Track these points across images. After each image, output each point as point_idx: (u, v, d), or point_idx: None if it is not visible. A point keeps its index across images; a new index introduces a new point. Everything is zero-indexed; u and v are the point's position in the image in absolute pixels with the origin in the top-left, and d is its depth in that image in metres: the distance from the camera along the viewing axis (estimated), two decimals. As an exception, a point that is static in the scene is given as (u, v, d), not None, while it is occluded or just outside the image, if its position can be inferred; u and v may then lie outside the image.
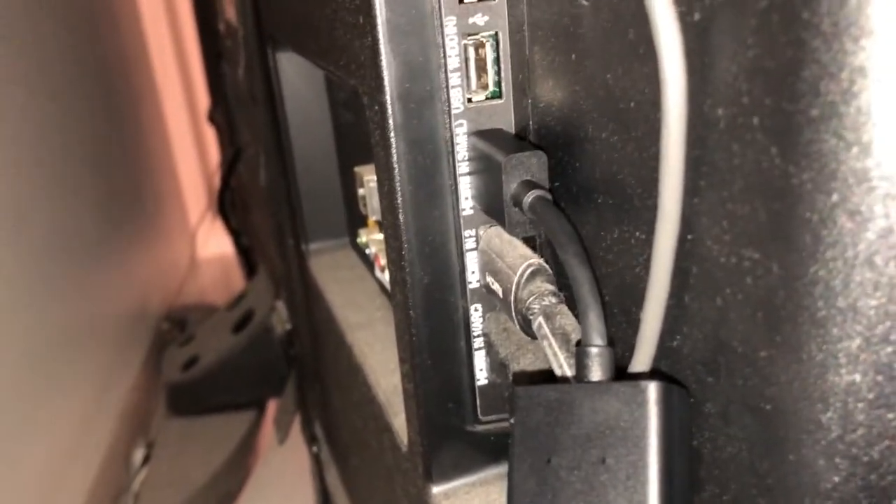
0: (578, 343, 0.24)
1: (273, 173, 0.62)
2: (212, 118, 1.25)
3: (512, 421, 0.24)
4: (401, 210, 0.32)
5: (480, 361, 0.35)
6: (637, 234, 0.25)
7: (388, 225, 0.34)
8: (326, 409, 0.66)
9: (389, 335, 0.38)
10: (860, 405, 0.19)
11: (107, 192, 1.07)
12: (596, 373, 0.23)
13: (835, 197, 0.17)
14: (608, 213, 0.26)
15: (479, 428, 0.35)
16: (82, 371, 0.88)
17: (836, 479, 0.19)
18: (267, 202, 0.68)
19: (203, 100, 1.39)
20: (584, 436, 0.22)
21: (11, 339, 0.71)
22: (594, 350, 0.23)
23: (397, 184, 0.32)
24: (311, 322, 0.63)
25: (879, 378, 0.18)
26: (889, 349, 0.18)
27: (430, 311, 0.33)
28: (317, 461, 0.69)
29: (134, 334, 1.09)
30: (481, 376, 0.35)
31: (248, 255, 1.23)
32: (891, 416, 0.18)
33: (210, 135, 1.48)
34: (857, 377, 0.18)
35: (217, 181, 1.23)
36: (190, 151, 1.54)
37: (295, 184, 0.59)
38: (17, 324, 0.73)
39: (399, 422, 0.40)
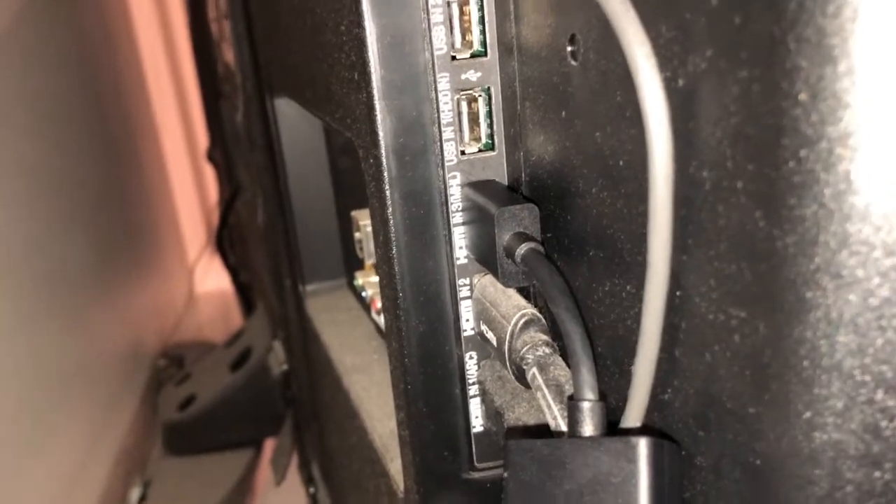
0: (571, 397, 0.24)
1: (271, 215, 0.63)
2: (210, 157, 1.25)
3: (505, 475, 0.24)
4: (396, 260, 0.32)
5: (476, 409, 0.35)
6: (628, 287, 0.25)
7: (384, 274, 0.34)
8: (323, 450, 0.66)
9: (386, 379, 0.38)
10: (848, 463, 0.19)
11: (104, 228, 1.07)
12: (587, 428, 0.23)
13: (817, 260, 0.18)
14: (599, 265, 0.27)
15: (475, 475, 0.35)
16: (78, 410, 0.87)
17: (827, 537, 0.19)
18: (265, 243, 0.69)
19: (202, 138, 1.40)
20: (577, 491, 0.22)
21: (4, 378, 0.71)
22: (586, 405, 0.24)
23: (392, 234, 0.32)
24: (309, 363, 0.63)
25: (866, 437, 0.19)
26: (874, 409, 0.18)
27: (425, 360, 0.34)
28: (314, 502, 0.69)
29: (131, 372, 1.09)
30: (476, 423, 0.35)
31: (246, 292, 1.23)
32: (878, 474, 0.19)
33: (209, 172, 1.49)
34: (844, 436, 0.19)
35: (215, 218, 1.24)
36: (189, 188, 1.55)
37: (293, 225, 0.59)
38: (11, 363, 0.73)
39: (395, 467, 0.40)
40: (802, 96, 0.17)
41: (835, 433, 0.19)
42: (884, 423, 0.18)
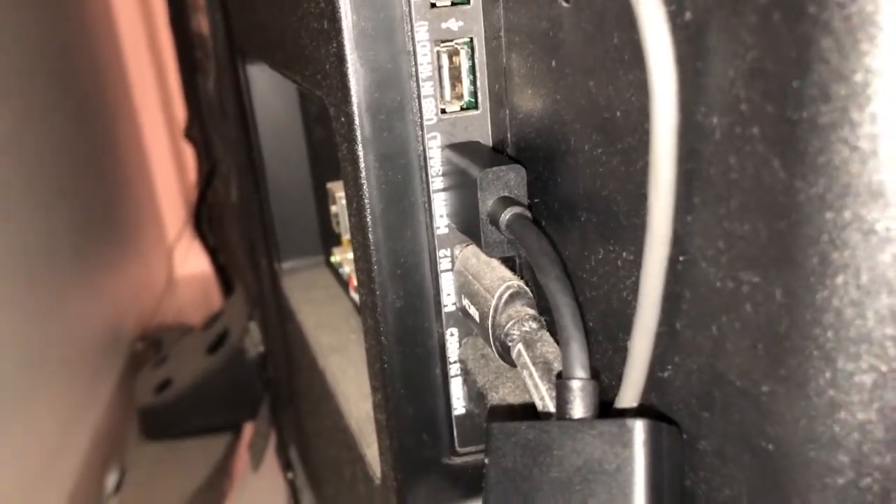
0: (560, 375, 0.22)
1: (245, 190, 0.60)
2: (188, 134, 1.22)
3: (486, 461, 0.22)
4: (370, 229, 0.30)
5: (457, 390, 0.32)
6: (624, 254, 0.23)
7: (358, 246, 0.32)
8: (301, 434, 0.64)
9: (362, 358, 0.36)
10: (875, 447, 0.17)
11: (81, 208, 1.04)
12: (578, 409, 0.21)
13: (847, 214, 0.15)
14: (592, 231, 0.24)
15: (456, 460, 0.33)
16: (53, 394, 0.84)
17: (851, 532, 0.17)
18: (239, 219, 0.66)
19: (181, 115, 1.37)
20: (565, 479, 0.20)
21: None
22: (576, 384, 0.21)
23: (366, 201, 0.30)
24: (285, 344, 0.61)
25: (897, 418, 0.16)
26: (909, 386, 0.16)
27: (402, 337, 0.31)
28: (292, 487, 0.66)
29: (108, 355, 1.06)
30: (458, 405, 0.33)
31: (225, 274, 1.20)
32: (911, 460, 0.16)
33: (188, 152, 1.45)
34: (873, 415, 0.16)
35: (195, 198, 1.20)
36: (168, 168, 1.52)
37: (267, 200, 0.57)
38: None
39: (372, 452, 0.38)
40: (835, 22, 0.15)
41: (861, 413, 0.17)
42: (919, 403, 0.16)
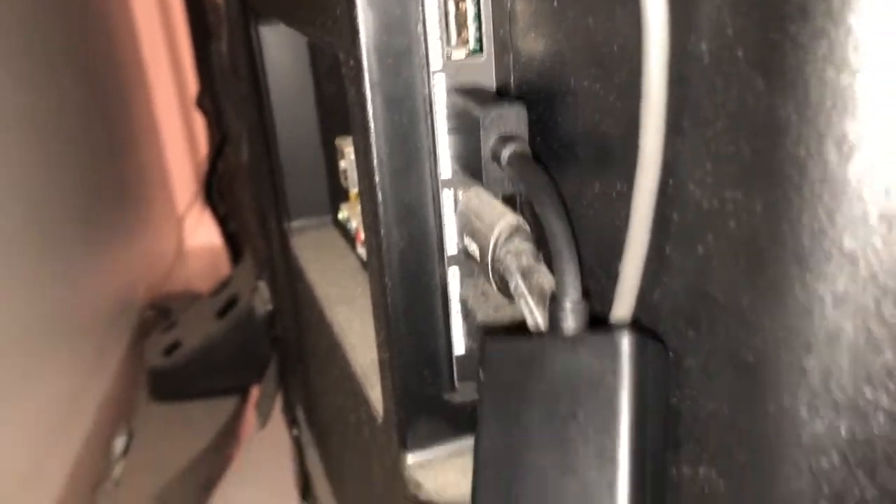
0: (553, 297, 0.23)
1: (256, 150, 0.61)
2: (200, 104, 1.23)
3: (481, 373, 0.23)
4: (377, 171, 0.31)
5: (458, 329, 0.34)
6: (618, 186, 0.24)
7: (364, 188, 0.33)
8: (307, 390, 0.65)
9: (369, 311, 0.37)
10: (845, 349, 0.18)
11: (92, 179, 1.05)
12: (570, 326, 0.22)
13: (821, 124, 0.16)
14: (589, 166, 0.25)
15: (456, 397, 0.34)
16: (63, 360, 0.86)
17: (820, 428, 0.18)
18: (249, 180, 0.67)
19: (192, 86, 1.38)
20: (555, 390, 0.21)
21: None
22: (568, 304, 0.22)
23: (373, 143, 0.31)
24: (293, 301, 0.62)
25: (866, 320, 0.17)
26: (876, 290, 0.17)
27: (406, 277, 0.32)
28: (297, 444, 0.68)
29: (118, 322, 1.08)
30: (458, 344, 0.34)
31: (235, 243, 1.21)
32: (877, 360, 0.17)
33: (199, 123, 1.47)
34: (844, 320, 0.18)
35: (205, 169, 1.22)
36: (179, 139, 1.53)
37: (277, 159, 0.58)
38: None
39: (375, 394, 0.39)
40: (812, -59, 0.16)
41: (833, 318, 0.18)
42: (888, 307, 0.17)
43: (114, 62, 1.24)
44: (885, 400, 0.18)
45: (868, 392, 0.18)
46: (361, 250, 0.51)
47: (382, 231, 0.32)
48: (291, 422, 0.69)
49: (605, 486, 0.20)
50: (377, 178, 0.31)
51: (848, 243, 0.17)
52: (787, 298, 0.18)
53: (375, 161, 0.31)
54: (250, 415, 0.91)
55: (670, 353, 0.22)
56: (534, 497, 0.21)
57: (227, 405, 0.91)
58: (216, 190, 1.19)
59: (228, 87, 0.77)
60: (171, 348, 0.94)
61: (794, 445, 0.18)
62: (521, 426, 0.21)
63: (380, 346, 0.35)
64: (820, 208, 0.17)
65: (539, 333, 0.24)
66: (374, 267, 0.33)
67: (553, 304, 0.23)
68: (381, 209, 0.31)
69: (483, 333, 0.29)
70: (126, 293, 1.15)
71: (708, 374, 0.21)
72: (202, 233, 1.56)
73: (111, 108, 1.19)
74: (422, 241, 0.32)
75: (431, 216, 0.32)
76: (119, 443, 0.96)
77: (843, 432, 0.18)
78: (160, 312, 1.23)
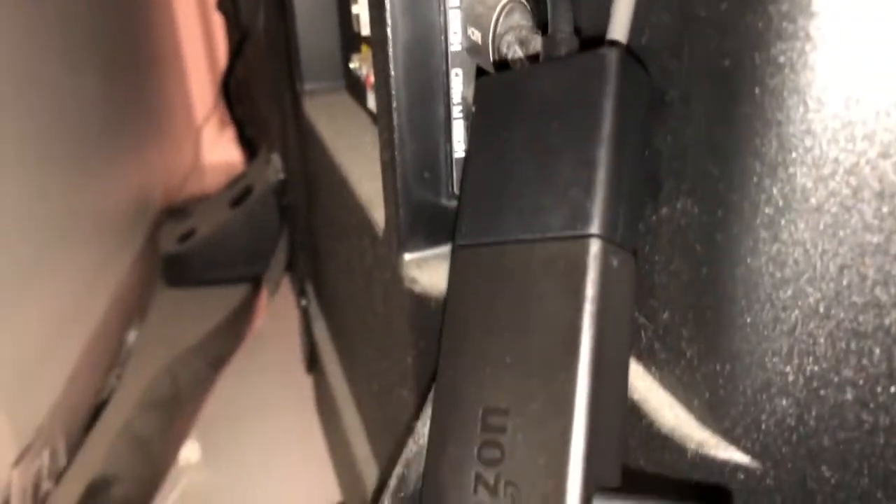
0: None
1: (272, 13, 0.62)
2: (220, 6, 1.23)
3: (473, 111, 0.24)
4: (384, -39, 0.32)
5: (458, 132, 0.34)
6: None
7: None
8: (316, 258, 0.66)
9: (375, 156, 0.38)
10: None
11: (114, 86, 1.06)
12: (560, 53, 0.23)
13: None
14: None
15: (454, 203, 0.35)
16: (80, 252, 0.87)
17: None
18: (265, 49, 0.68)
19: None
20: (543, 107, 0.22)
21: (11, 215, 0.71)
22: (559, 34, 0.23)
23: (381, -68, 0.31)
24: (304, 163, 0.63)
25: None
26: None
27: (410, 73, 0.33)
28: (305, 314, 0.69)
29: (133, 222, 1.09)
30: (459, 147, 0.35)
31: (250, 147, 1.23)
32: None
33: (219, 33, 1.47)
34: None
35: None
36: (199, 51, 1.53)
37: (293, 21, 0.59)
38: (18, 200, 0.73)
39: (378, 215, 0.40)
40: None
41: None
42: None
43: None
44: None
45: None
46: (372, 104, 0.52)
47: (388, 22, 0.32)
48: (300, 292, 0.70)
49: (582, 186, 0.21)
50: (384, -29, 0.32)
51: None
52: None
53: (383, -46, 0.32)
54: (263, 301, 0.93)
55: (656, 89, 0.23)
56: (516, 204, 0.22)
57: (239, 291, 0.93)
58: (234, 92, 1.19)
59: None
60: (185, 236, 0.96)
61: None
62: (509, 144, 0.22)
63: (382, 149, 0.36)
64: None
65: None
66: (378, 59, 0.34)
67: (545, 41, 0.24)
68: (386, 2, 0.32)
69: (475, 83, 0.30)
70: (143, 197, 1.16)
71: (687, 98, 0.22)
72: (220, 150, 1.57)
73: (133, 15, 1.20)
74: (426, 35, 0.33)
75: (436, 8, 0.32)
76: (132, 336, 0.98)
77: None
78: (176, 213, 1.24)
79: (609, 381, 0.20)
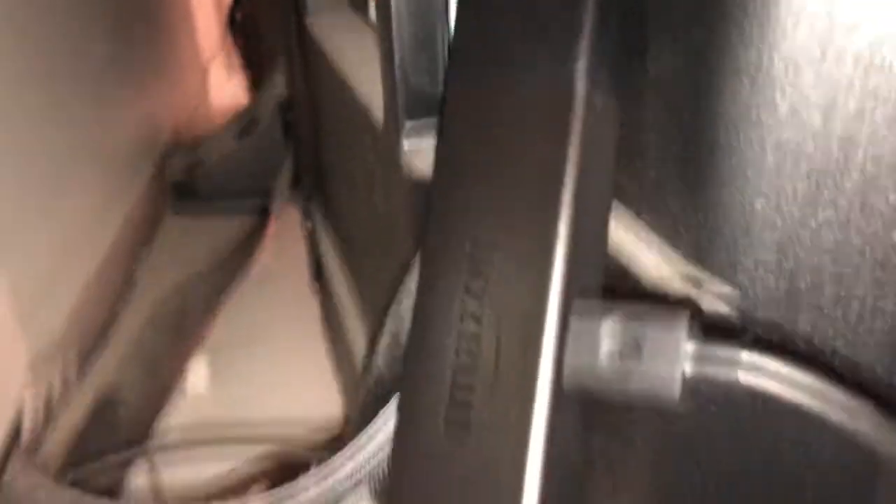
0: None
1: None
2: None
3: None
4: None
5: (454, 7, 0.35)
6: None
7: None
8: (320, 175, 0.67)
9: (378, 65, 0.38)
10: None
11: (119, 17, 1.06)
12: None
13: None
14: None
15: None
16: (89, 181, 0.88)
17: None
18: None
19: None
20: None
21: (28, 143, 0.72)
22: None
23: None
24: (308, 80, 0.64)
25: None
26: None
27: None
28: (311, 234, 0.70)
29: (142, 154, 1.10)
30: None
31: (257, 84, 1.23)
32: None
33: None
34: None
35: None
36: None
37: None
38: (35, 131, 0.73)
39: (378, 115, 0.41)
40: None
41: None
42: None
43: None
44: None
45: None
46: (374, 15, 0.52)
47: None
48: (305, 213, 0.71)
49: (569, 27, 0.21)
50: None
51: None
52: None
53: None
54: (270, 230, 0.94)
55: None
56: (505, 47, 0.22)
57: (247, 221, 0.94)
58: (240, 27, 1.19)
59: None
60: (193, 166, 0.96)
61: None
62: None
63: (380, 37, 0.36)
64: None
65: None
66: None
67: None
68: None
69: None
70: (151, 130, 1.17)
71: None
72: (228, 93, 1.57)
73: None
74: None
75: None
76: (141, 262, 0.99)
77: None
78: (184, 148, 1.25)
79: (591, 213, 0.21)
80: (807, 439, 0.23)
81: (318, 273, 0.70)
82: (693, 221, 0.24)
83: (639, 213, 0.26)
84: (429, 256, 0.22)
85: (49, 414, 0.70)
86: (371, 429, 0.29)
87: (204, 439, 0.71)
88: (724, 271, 0.23)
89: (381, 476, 0.28)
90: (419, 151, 0.36)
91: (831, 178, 0.21)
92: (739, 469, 0.25)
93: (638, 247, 0.27)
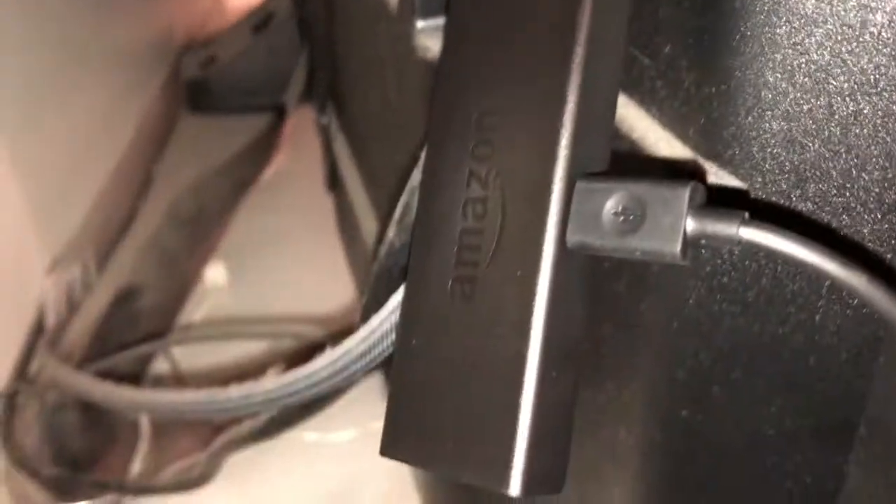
0: None
1: None
2: None
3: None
4: None
5: None
6: None
7: None
8: (335, 71, 0.66)
9: None
10: None
11: None
12: None
13: None
14: None
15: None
16: (101, 80, 0.87)
17: None
18: None
19: None
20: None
21: (44, 40, 0.71)
22: None
23: None
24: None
25: None
26: None
27: None
28: (325, 132, 0.70)
29: (156, 54, 1.09)
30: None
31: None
32: None
33: None
34: None
35: None
36: None
37: None
38: (51, 29, 0.72)
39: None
40: None
41: None
42: None
43: None
44: None
45: None
46: None
47: None
48: (320, 109, 0.71)
49: None
50: None
51: None
52: None
53: None
54: (286, 128, 0.94)
55: None
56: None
57: (263, 119, 0.94)
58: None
59: None
60: (208, 62, 0.95)
61: None
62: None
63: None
64: None
65: None
66: None
67: None
68: None
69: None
70: (165, 30, 1.15)
71: None
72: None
73: None
74: None
75: None
76: (158, 160, 0.99)
77: None
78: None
79: (601, 83, 0.20)
80: (809, 312, 0.23)
81: (333, 181, 0.70)
82: (706, 93, 0.23)
83: (655, 93, 0.26)
84: (437, 124, 0.22)
85: (71, 308, 0.72)
86: (384, 311, 0.29)
87: (223, 332, 0.72)
88: (734, 145, 0.23)
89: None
90: (433, 33, 0.36)
91: (846, 45, 0.21)
92: (745, 346, 0.25)
93: (648, 122, 0.26)
